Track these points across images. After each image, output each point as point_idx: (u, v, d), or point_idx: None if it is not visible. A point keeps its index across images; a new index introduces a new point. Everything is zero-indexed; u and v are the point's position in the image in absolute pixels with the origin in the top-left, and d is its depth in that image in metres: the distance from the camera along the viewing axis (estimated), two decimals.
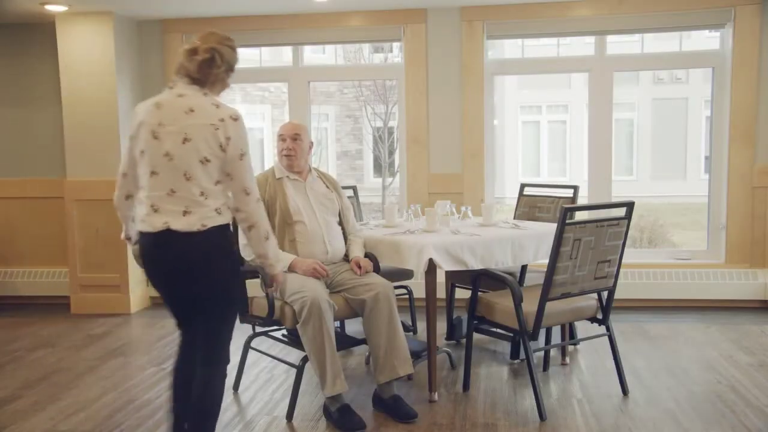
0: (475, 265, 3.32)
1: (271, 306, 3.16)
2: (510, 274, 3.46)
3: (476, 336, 4.20)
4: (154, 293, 5.55)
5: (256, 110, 13.40)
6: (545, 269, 3.07)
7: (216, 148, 2.36)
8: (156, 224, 2.37)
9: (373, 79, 11.65)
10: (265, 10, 5.22)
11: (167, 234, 2.35)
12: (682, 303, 5.12)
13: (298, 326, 3.10)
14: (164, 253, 2.39)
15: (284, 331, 3.58)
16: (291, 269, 3.28)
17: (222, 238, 2.42)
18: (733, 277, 5.03)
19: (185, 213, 2.36)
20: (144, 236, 2.42)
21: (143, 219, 2.41)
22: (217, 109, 2.39)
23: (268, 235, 2.52)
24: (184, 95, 2.41)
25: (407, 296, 4.20)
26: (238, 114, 2.42)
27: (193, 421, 2.48)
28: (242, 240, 3.14)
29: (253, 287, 3.26)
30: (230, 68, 2.51)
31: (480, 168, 5.26)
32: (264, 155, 12.85)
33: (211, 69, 2.44)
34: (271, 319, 3.21)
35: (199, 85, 2.44)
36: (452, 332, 4.29)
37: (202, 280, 2.40)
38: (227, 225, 2.45)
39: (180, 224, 2.34)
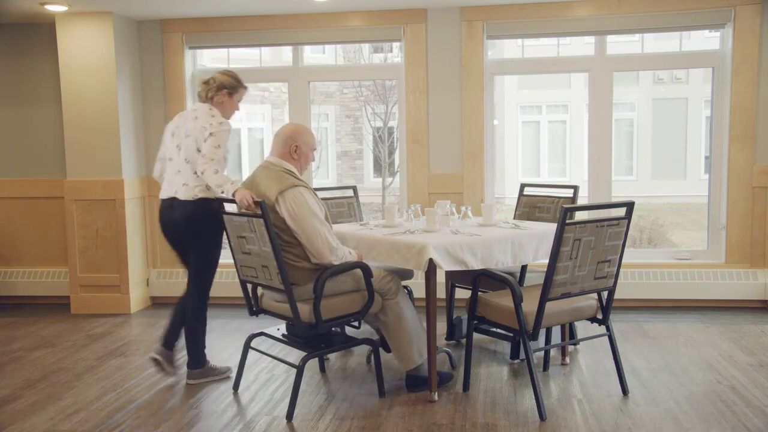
0: (475, 265, 3.32)
1: (372, 298, 3.37)
2: (510, 274, 3.46)
3: (476, 336, 4.21)
4: (154, 293, 5.57)
5: (256, 110, 13.39)
6: (545, 269, 3.07)
7: (202, 141, 3.44)
8: (169, 192, 3.56)
9: (373, 79, 11.64)
10: (265, 10, 5.22)
11: (174, 200, 3.52)
12: (682, 303, 5.12)
13: (393, 301, 3.41)
14: (171, 214, 3.56)
15: (284, 331, 3.58)
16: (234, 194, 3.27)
17: (206, 207, 3.49)
18: (733, 277, 5.03)
19: (184, 185, 3.49)
20: (161, 202, 3.62)
21: (162, 189, 3.61)
22: (212, 118, 3.49)
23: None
24: (196, 109, 3.59)
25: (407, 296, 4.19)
26: (224, 123, 3.47)
27: (186, 333, 3.66)
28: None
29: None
30: (222, 86, 3.58)
31: (480, 168, 5.26)
32: (264, 155, 12.82)
33: (206, 85, 3.60)
34: (366, 312, 3.39)
35: (208, 103, 3.59)
36: (452, 332, 4.29)
37: (190, 234, 3.53)
38: (213, 199, 3.48)
39: (181, 194, 3.49)
